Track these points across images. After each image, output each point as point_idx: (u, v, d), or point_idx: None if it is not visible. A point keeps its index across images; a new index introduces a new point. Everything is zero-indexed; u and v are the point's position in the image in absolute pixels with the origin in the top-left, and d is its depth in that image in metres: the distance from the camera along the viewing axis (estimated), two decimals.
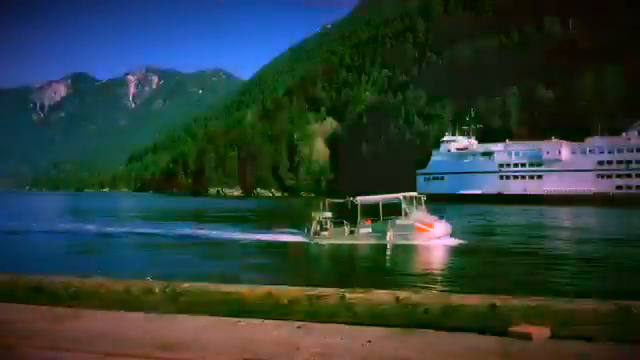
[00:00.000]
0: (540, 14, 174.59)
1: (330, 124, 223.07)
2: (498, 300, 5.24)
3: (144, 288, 6.56)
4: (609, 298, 5.33)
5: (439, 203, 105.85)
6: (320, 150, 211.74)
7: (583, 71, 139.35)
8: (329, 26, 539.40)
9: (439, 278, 18.53)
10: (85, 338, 5.31)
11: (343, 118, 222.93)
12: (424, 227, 28.34)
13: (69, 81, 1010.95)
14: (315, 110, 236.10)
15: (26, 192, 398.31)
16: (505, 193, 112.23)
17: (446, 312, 5.29)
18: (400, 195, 29.80)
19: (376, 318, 5.52)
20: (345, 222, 29.35)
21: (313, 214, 30.06)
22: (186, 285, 6.46)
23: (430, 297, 5.49)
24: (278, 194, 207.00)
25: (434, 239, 27.90)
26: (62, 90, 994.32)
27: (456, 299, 5.38)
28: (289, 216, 61.93)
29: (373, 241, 28.21)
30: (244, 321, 5.82)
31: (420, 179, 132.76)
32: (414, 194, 30.65)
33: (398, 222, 28.51)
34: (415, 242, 27.51)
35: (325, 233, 29.44)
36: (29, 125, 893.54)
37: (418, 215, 29.26)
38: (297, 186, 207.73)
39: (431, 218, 29.74)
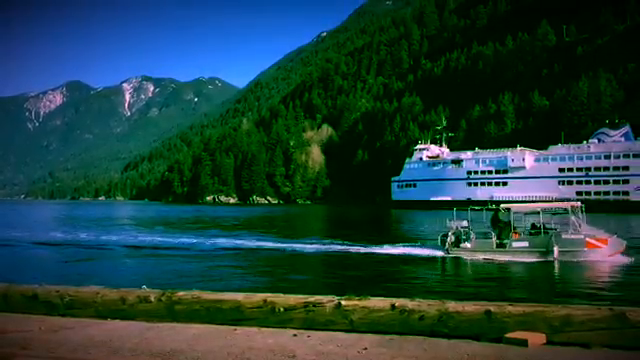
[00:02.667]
0: (534, 21, 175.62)
1: (326, 131, 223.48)
2: (493, 307, 5.24)
3: (140, 297, 6.54)
4: (605, 304, 5.35)
5: (410, 209, 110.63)
6: (316, 157, 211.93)
7: (578, 77, 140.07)
8: (325, 34, 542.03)
9: None
10: (81, 347, 5.30)
11: (339, 125, 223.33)
12: (597, 243, 24.10)
13: (64, 89, 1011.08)
14: (311, 117, 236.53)
15: (21, 201, 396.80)
16: (473, 199, 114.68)
17: (442, 319, 5.30)
18: (569, 204, 25.96)
19: (372, 325, 5.53)
20: (492, 233, 25.75)
21: (449, 223, 26.63)
22: (182, 293, 6.45)
23: (426, 304, 5.49)
24: (274, 201, 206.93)
25: (607, 257, 23.78)
26: (58, 98, 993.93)
27: (452, 306, 5.39)
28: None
29: (532, 257, 24.01)
30: (240, 329, 5.82)
31: (394, 186, 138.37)
32: (578, 204, 26.32)
33: (565, 236, 24.41)
34: (586, 260, 23.44)
35: (467, 245, 25.78)
36: (24, 133, 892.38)
37: (588, 229, 25.11)
38: (293, 193, 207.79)
39: (602, 233, 25.52)
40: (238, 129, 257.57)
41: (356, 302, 5.70)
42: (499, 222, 26.25)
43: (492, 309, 5.20)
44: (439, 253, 26.03)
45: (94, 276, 18.38)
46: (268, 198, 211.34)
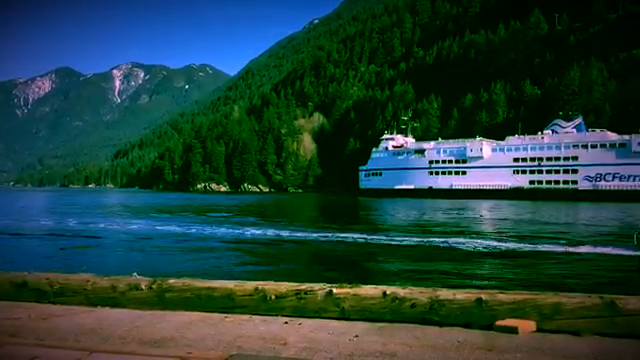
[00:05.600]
0: (527, 10, 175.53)
1: (317, 119, 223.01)
2: (485, 294, 5.26)
3: (130, 284, 6.52)
4: (595, 292, 5.38)
5: (377, 197, 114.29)
6: (307, 145, 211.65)
7: (569, 66, 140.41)
8: (316, 21, 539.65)
9: None
10: (71, 335, 5.27)
11: (330, 113, 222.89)
12: None
13: (54, 75, 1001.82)
14: (302, 105, 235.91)
15: (10, 188, 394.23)
16: (435, 188, 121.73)
17: (433, 306, 5.31)
18: None
19: (363, 313, 5.54)
20: None
21: None
22: (172, 281, 6.42)
23: (417, 292, 5.50)
24: (265, 189, 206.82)
25: None
26: (47, 85, 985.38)
27: (443, 293, 5.40)
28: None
29: None
30: (231, 317, 5.81)
31: (362, 174, 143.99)
32: None
33: None
34: None
35: None
36: (13, 120, 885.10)
37: None
38: (284, 181, 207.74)
39: None
40: (229, 117, 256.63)
41: (348, 290, 5.70)
42: None
43: (483, 297, 5.21)
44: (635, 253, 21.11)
45: (84, 263, 18.32)
46: (259, 186, 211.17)
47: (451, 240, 26.56)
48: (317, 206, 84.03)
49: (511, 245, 24.96)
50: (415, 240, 26.74)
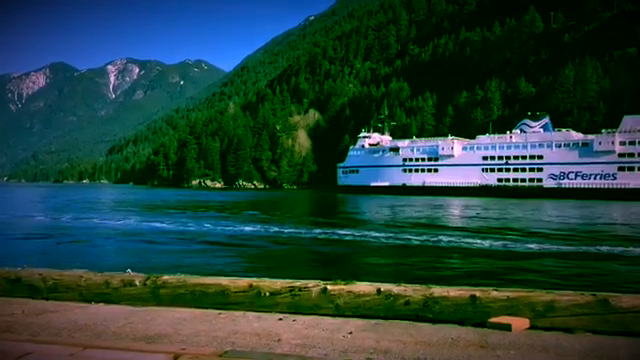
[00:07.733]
0: (522, 8, 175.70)
1: (312, 116, 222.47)
2: (478, 292, 5.28)
3: (124, 280, 6.51)
4: (588, 289, 5.40)
5: (353, 194, 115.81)
6: (302, 142, 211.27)
7: (564, 64, 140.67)
8: (312, 18, 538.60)
9: None
10: (64, 331, 5.26)
11: (325, 110, 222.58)
12: None
13: (48, 70, 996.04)
14: (297, 102, 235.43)
15: (4, 183, 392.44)
16: (408, 185, 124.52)
17: (427, 304, 5.32)
18: None
19: (358, 310, 5.54)
20: None
21: None
22: (166, 277, 6.42)
23: (411, 289, 5.51)
24: (260, 186, 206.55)
25: None
26: (41, 79, 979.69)
27: (437, 291, 5.41)
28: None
29: None
30: (225, 313, 5.81)
31: (339, 171, 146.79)
32: None
33: None
34: None
35: None
36: (7, 115, 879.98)
37: None
38: (279, 178, 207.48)
39: None
40: (224, 113, 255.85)
41: (342, 287, 5.71)
42: None
43: (477, 294, 5.23)
44: None
45: (78, 259, 18.26)
46: (254, 183, 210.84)
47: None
48: (301, 202, 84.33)
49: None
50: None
